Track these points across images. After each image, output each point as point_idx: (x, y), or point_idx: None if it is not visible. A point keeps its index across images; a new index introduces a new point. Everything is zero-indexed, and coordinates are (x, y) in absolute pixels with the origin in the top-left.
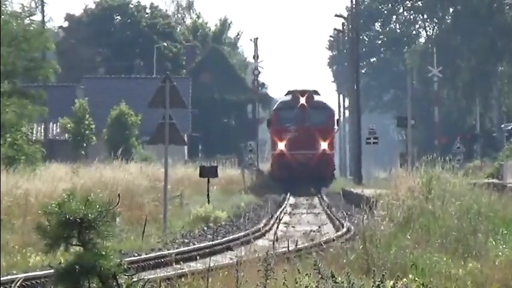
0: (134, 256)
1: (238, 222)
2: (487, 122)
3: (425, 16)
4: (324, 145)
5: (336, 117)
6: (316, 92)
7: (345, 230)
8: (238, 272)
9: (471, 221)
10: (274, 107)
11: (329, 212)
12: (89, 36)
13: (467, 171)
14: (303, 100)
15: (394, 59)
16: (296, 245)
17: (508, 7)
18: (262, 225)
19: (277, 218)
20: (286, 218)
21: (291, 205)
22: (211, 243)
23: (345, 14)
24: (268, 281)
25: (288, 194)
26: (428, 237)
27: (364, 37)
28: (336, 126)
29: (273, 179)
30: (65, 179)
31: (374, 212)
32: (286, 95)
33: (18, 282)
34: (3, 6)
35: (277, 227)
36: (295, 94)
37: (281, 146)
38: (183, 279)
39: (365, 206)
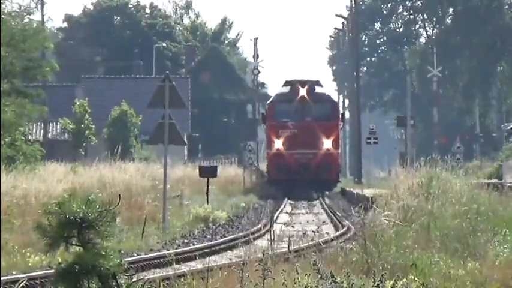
0: (134, 256)
1: (238, 222)
2: (487, 122)
3: (425, 16)
4: (327, 143)
5: (341, 111)
6: (318, 83)
7: (344, 229)
8: (243, 271)
9: (471, 221)
10: (270, 100)
11: (329, 212)
12: (88, 36)
13: (467, 171)
14: (303, 92)
15: (394, 58)
16: (292, 245)
17: (507, 7)
18: (262, 225)
19: (276, 218)
20: (286, 218)
21: (290, 204)
22: (210, 243)
23: (345, 13)
24: (266, 280)
25: (286, 200)
26: (428, 237)
27: (364, 37)
28: (340, 122)
29: (269, 182)
30: (64, 179)
31: (374, 211)
32: (284, 85)
33: (22, 283)
34: (3, 5)
35: (273, 227)
36: (294, 85)
37: (278, 144)
38: (182, 280)
39: (365, 205)
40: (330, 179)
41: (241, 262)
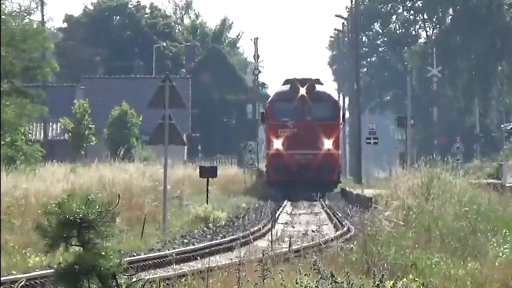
0: (134, 256)
1: (238, 222)
2: (487, 122)
3: (425, 16)
4: (327, 143)
5: (342, 110)
6: (318, 81)
7: (344, 230)
8: (239, 271)
9: (471, 221)
10: (269, 99)
11: (329, 212)
12: (88, 36)
13: (467, 172)
14: (303, 90)
15: (394, 59)
16: (292, 245)
17: (507, 7)
18: (262, 225)
19: (276, 218)
20: (286, 218)
21: (290, 204)
22: (210, 243)
23: (345, 14)
24: (265, 280)
25: (286, 200)
26: (428, 237)
27: (364, 37)
28: (341, 121)
29: (269, 183)
30: (64, 180)
31: (374, 212)
32: (283, 84)
33: (21, 283)
34: (3, 5)
35: (274, 227)
36: (294, 83)
37: (277, 144)
38: (182, 280)
39: (365, 206)
40: (331, 180)
41: (238, 263)
